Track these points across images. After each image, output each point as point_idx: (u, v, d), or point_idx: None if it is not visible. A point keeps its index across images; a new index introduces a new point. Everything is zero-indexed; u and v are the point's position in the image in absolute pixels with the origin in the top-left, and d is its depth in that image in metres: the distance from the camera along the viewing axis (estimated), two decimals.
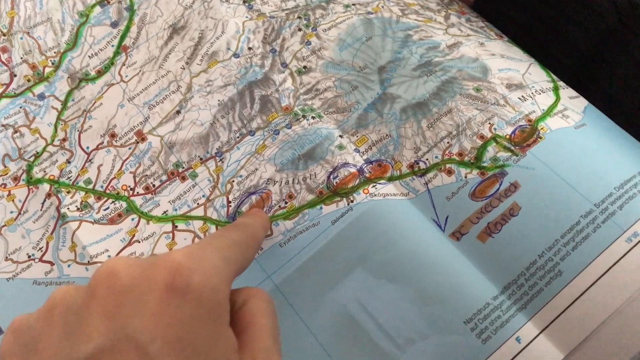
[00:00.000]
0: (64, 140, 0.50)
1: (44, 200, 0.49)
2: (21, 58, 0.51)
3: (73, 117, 0.50)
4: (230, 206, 0.47)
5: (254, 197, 0.47)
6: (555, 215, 0.43)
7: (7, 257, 0.48)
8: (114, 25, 0.52)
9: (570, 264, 0.42)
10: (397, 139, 0.47)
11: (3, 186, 0.49)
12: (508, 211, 0.44)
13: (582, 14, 0.53)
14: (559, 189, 0.44)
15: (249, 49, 0.51)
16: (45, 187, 0.49)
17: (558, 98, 0.48)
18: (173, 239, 0.46)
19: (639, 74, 0.51)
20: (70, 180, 0.49)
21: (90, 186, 0.49)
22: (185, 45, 0.51)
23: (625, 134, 0.49)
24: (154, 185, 0.48)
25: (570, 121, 0.47)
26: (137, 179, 0.48)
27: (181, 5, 0.52)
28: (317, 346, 0.43)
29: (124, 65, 0.51)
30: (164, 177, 0.48)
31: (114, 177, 0.49)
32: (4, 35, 0.52)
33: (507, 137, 0.46)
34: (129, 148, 0.49)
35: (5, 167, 0.50)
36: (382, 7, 0.53)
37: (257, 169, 0.47)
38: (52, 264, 0.47)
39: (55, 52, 0.52)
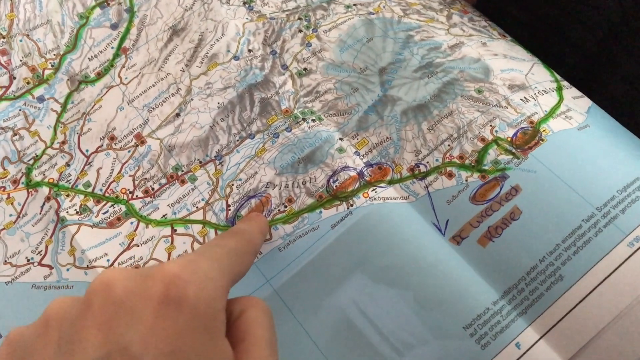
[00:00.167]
0: (64, 143, 0.50)
1: (43, 204, 0.49)
2: (21, 60, 0.51)
3: (72, 120, 0.50)
4: (230, 210, 0.47)
5: (253, 201, 0.46)
6: (557, 219, 0.43)
7: (6, 261, 0.48)
8: (114, 27, 0.52)
9: (571, 269, 0.41)
10: (397, 141, 0.47)
11: (2, 189, 0.49)
12: (509, 215, 0.43)
13: (587, 13, 0.52)
14: (560, 192, 0.43)
15: (249, 51, 0.50)
16: (45, 190, 0.49)
17: (561, 98, 0.48)
18: (172, 242, 0.46)
19: None
20: (70, 183, 0.49)
21: (90, 189, 0.49)
22: (185, 47, 0.51)
23: (630, 134, 0.48)
24: (153, 189, 0.48)
25: (573, 122, 0.46)
26: (136, 182, 0.48)
27: (181, 6, 0.52)
28: (316, 351, 0.42)
29: (124, 67, 0.51)
30: (163, 181, 0.48)
31: (113, 181, 0.49)
32: (4, 37, 0.51)
33: (509, 139, 0.45)
34: (128, 151, 0.49)
35: (4, 169, 0.49)
36: (384, 7, 0.52)
37: (256, 173, 0.47)
38: (51, 267, 0.47)
39: (54, 55, 0.52)
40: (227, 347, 0.29)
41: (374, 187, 0.46)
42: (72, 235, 0.47)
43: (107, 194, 0.48)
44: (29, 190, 0.49)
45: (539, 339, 0.41)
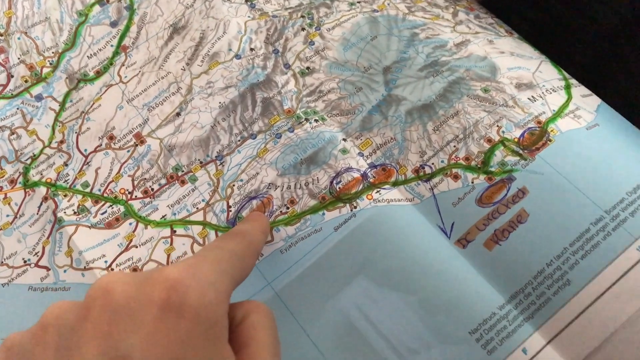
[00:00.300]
0: (62, 142, 0.49)
1: (41, 204, 0.48)
2: (18, 58, 0.51)
3: (71, 119, 0.50)
4: (231, 211, 0.46)
5: (254, 202, 0.46)
6: (564, 223, 0.42)
7: (2, 262, 0.47)
8: (114, 24, 0.52)
9: (579, 273, 0.41)
10: (402, 142, 0.46)
11: None
12: (516, 218, 0.43)
13: (595, 8, 0.52)
14: (568, 194, 0.42)
15: (251, 49, 0.50)
16: (42, 190, 0.48)
17: (570, 97, 0.47)
18: (171, 244, 0.46)
19: None
20: (68, 183, 0.48)
21: (88, 189, 0.48)
22: (185, 45, 0.50)
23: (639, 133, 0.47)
24: (152, 189, 0.47)
25: (582, 122, 0.45)
26: (135, 183, 0.48)
27: (182, 4, 0.51)
28: (318, 355, 0.42)
29: (124, 65, 0.51)
30: (163, 181, 0.47)
31: (112, 181, 0.48)
32: (1, 35, 0.51)
33: (516, 140, 0.44)
34: (128, 151, 0.49)
35: (1, 169, 0.49)
36: (388, 4, 0.52)
37: (258, 173, 0.46)
38: (48, 269, 0.47)
39: (53, 52, 0.51)
40: (229, 353, 0.29)
41: (378, 189, 0.45)
42: (70, 236, 0.47)
43: (105, 194, 0.48)
44: (27, 190, 0.49)
45: (546, 345, 0.40)
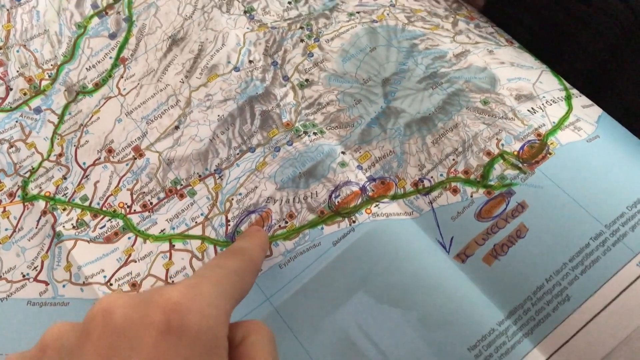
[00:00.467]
0: (60, 155, 0.49)
1: (39, 218, 0.48)
2: (17, 71, 0.51)
3: (69, 132, 0.50)
4: (229, 225, 0.46)
5: (253, 216, 0.46)
6: (564, 238, 0.42)
7: (1, 276, 0.47)
8: (112, 36, 0.51)
9: (578, 289, 0.41)
10: (401, 155, 0.46)
11: None
12: (515, 232, 0.42)
13: (596, 17, 0.51)
14: (568, 209, 0.42)
15: (250, 62, 0.50)
16: (41, 204, 0.48)
17: (570, 108, 0.47)
18: (170, 258, 0.46)
19: None
20: (66, 197, 0.48)
21: (87, 203, 0.48)
22: (184, 57, 0.50)
23: None
24: (151, 203, 0.47)
25: (582, 133, 0.45)
26: (134, 197, 0.48)
27: (181, 15, 0.51)
28: None
29: (122, 77, 0.51)
30: (162, 195, 0.47)
31: (111, 194, 0.48)
32: (0, 49, 0.51)
33: (515, 153, 0.44)
34: (126, 164, 0.48)
35: (0, 182, 0.49)
36: (388, 14, 0.51)
37: (257, 187, 0.46)
38: (46, 283, 0.46)
39: (52, 65, 0.51)
40: None
41: (377, 203, 0.45)
42: (69, 250, 0.47)
43: (104, 208, 0.48)
44: (25, 203, 0.48)
45: None
